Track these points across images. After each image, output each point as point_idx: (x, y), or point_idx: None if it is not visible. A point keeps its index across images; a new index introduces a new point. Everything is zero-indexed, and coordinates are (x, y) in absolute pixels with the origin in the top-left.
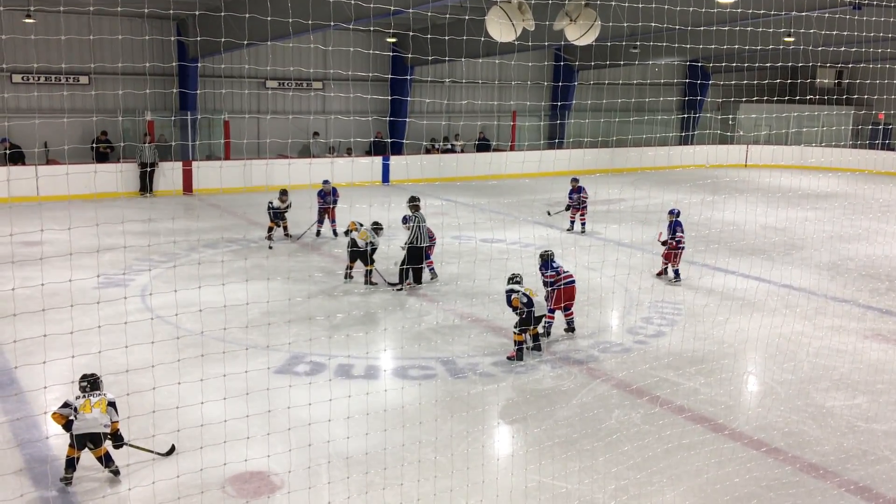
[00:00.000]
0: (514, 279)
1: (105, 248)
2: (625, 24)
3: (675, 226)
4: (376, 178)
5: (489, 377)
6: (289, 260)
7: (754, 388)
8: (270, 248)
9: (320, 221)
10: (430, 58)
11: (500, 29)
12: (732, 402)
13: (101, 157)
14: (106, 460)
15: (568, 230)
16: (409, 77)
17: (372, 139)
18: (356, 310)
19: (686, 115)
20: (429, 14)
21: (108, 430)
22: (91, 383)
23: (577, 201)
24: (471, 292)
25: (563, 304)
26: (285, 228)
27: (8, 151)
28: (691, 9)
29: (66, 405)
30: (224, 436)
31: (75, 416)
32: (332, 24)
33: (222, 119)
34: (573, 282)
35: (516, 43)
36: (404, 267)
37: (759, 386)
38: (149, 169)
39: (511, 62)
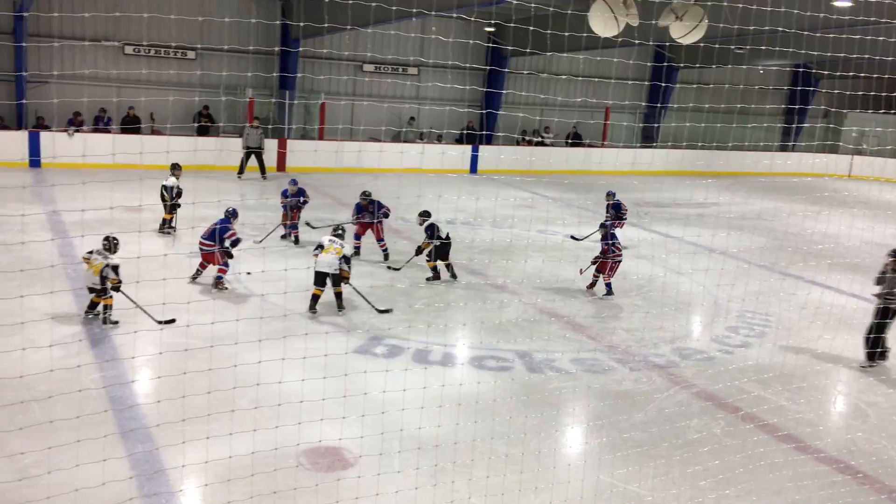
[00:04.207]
0: (335, 230)
1: (200, 219)
2: (735, 26)
3: (615, 209)
4: (464, 168)
5: (566, 374)
6: (376, 244)
7: (843, 409)
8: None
9: (286, 224)
10: (528, 50)
11: (604, 23)
12: (818, 421)
13: (202, 130)
14: (104, 309)
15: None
16: (505, 69)
17: (463, 129)
18: (437, 297)
19: (789, 122)
20: (532, 5)
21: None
22: (106, 247)
23: (613, 215)
24: (552, 287)
25: (607, 273)
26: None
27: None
28: (808, 13)
29: (89, 252)
30: (301, 410)
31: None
32: (434, 12)
33: (319, 100)
34: (620, 262)
35: (619, 39)
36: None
37: (848, 407)
38: (253, 151)
39: (608, 58)
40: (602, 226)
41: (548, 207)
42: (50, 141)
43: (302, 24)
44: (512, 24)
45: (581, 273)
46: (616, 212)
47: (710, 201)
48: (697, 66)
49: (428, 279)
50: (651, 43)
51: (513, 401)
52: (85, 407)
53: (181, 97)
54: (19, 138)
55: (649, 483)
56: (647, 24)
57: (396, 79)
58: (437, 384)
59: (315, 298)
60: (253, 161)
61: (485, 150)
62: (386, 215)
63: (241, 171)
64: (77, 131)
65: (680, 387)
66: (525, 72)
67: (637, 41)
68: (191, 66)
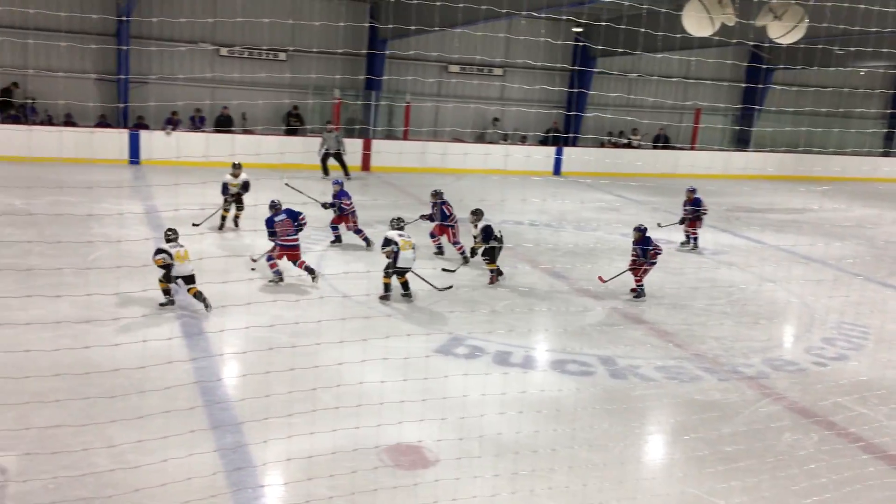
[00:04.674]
0: (397, 224)
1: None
2: (839, 26)
3: (694, 205)
4: (548, 170)
5: (650, 381)
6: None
7: None
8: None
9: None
10: (617, 50)
11: (698, 23)
12: None
13: (292, 130)
14: (197, 297)
15: (683, 243)
16: (591, 69)
17: (548, 130)
18: (519, 299)
19: (894, 126)
20: (625, 3)
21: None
22: (175, 236)
23: (691, 213)
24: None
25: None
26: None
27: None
28: None
29: (160, 251)
30: (383, 406)
31: (172, 262)
32: (523, 12)
33: (404, 101)
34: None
35: (715, 38)
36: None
37: None
38: (332, 155)
39: (701, 59)
40: (637, 230)
41: (634, 211)
42: (148, 139)
43: (390, 26)
44: (601, 24)
45: (603, 281)
46: (694, 208)
47: (807, 207)
48: (795, 67)
49: (492, 279)
50: (747, 43)
51: (595, 407)
52: (176, 400)
53: (272, 98)
54: (120, 137)
55: (736, 499)
56: (744, 23)
57: (482, 80)
58: (518, 388)
59: (388, 287)
60: (333, 162)
61: (570, 152)
62: (444, 216)
63: (325, 172)
64: (174, 130)
65: (771, 399)
66: (613, 72)
67: (732, 41)
68: (281, 68)
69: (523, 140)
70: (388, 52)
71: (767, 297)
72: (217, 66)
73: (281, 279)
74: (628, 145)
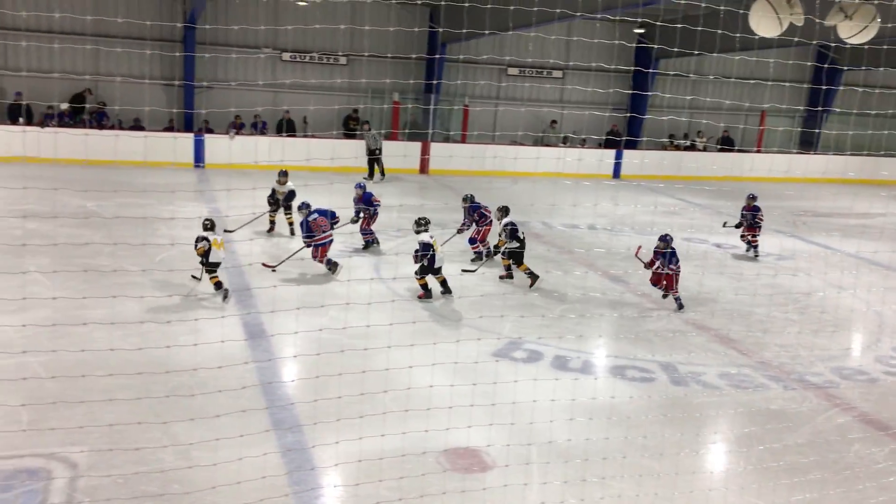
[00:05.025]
0: (425, 226)
1: (346, 218)
2: None
3: (752, 212)
4: (607, 172)
5: (712, 389)
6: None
7: None
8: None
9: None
10: (677, 51)
11: (765, 23)
12: None
13: (351, 133)
14: (217, 286)
15: (746, 251)
16: (652, 70)
17: (607, 133)
18: (577, 304)
19: None
20: (682, 3)
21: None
22: (212, 225)
23: (749, 219)
24: (698, 298)
25: (663, 285)
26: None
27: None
28: None
29: (201, 239)
30: (440, 409)
31: (210, 248)
32: (578, 13)
33: (462, 103)
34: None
35: (781, 39)
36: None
37: None
38: (374, 156)
39: (765, 59)
40: (662, 239)
41: (694, 214)
42: (212, 143)
43: (448, 29)
44: (663, 25)
45: (639, 251)
46: (753, 214)
47: (875, 212)
48: (864, 68)
49: (501, 277)
50: (814, 43)
51: (654, 411)
52: (239, 399)
53: (332, 102)
54: (187, 141)
55: None
56: (811, 21)
57: (540, 82)
58: (577, 394)
59: (426, 287)
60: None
61: (630, 155)
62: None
63: (370, 174)
64: (237, 134)
65: (839, 409)
66: (673, 73)
67: (799, 41)
68: (342, 72)
69: (582, 143)
70: (446, 55)
71: (835, 304)
72: (279, 70)
73: (336, 264)
74: (692, 147)
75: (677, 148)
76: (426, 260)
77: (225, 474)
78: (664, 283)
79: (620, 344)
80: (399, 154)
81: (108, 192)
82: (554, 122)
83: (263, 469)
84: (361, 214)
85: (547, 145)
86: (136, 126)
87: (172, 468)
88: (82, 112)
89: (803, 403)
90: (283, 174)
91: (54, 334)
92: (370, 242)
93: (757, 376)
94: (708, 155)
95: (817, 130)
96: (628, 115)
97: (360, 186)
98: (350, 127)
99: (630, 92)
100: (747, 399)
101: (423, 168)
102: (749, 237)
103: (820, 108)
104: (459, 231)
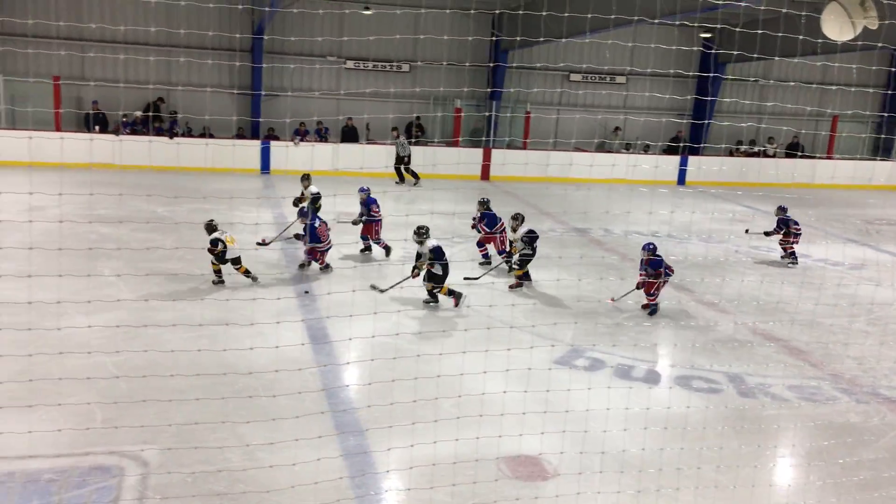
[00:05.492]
0: (423, 234)
1: (401, 224)
2: None
3: (783, 224)
4: (672, 179)
5: (782, 401)
6: (581, 252)
7: None
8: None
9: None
10: (745, 55)
11: (838, 27)
12: None
13: (415, 140)
14: (246, 274)
15: (782, 257)
16: (718, 75)
17: (672, 139)
18: (641, 312)
19: None
20: (761, 8)
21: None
22: (215, 222)
23: (778, 232)
24: (766, 308)
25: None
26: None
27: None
28: None
29: (217, 241)
30: (501, 415)
31: (224, 247)
32: (635, 18)
33: (524, 111)
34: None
35: (854, 43)
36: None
37: None
38: (403, 163)
39: (838, 63)
40: (645, 249)
41: (760, 222)
42: (277, 150)
43: (512, 38)
44: (730, 29)
45: (613, 301)
46: (784, 227)
47: None
48: None
49: (511, 287)
50: (891, 47)
51: (722, 423)
52: (304, 403)
53: (395, 109)
54: (253, 148)
55: None
56: (887, 25)
57: (604, 88)
58: (640, 403)
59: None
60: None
61: (695, 161)
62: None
63: (401, 179)
64: (301, 141)
65: None
66: (741, 79)
67: (872, 44)
68: (404, 80)
69: (646, 149)
70: (509, 63)
71: None
72: (343, 78)
73: (309, 264)
74: (761, 154)
75: (746, 154)
76: (441, 268)
77: (287, 475)
78: (653, 289)
79: (686, 353)
80: (460, 161)
81: (177, 197)
82: (617, 128)
83: (325, 472)
84: (364, 218)
85: (610, 151)
86: (205, 134)
87: (238, 468)
88: (155, 120)
89: (877, 417)
90: (306, 178)
91: (127, 335)
92: (365, 249)
93: (829, 389)
94: (778, 161)
95: (890, 132)
96: (695, 121)
97: (363, 190)
98: (412, 134)
99: (694, 97)
100: (818, 412)
101: (485, 174)
102: (786, 246)
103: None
104: (474, 227)
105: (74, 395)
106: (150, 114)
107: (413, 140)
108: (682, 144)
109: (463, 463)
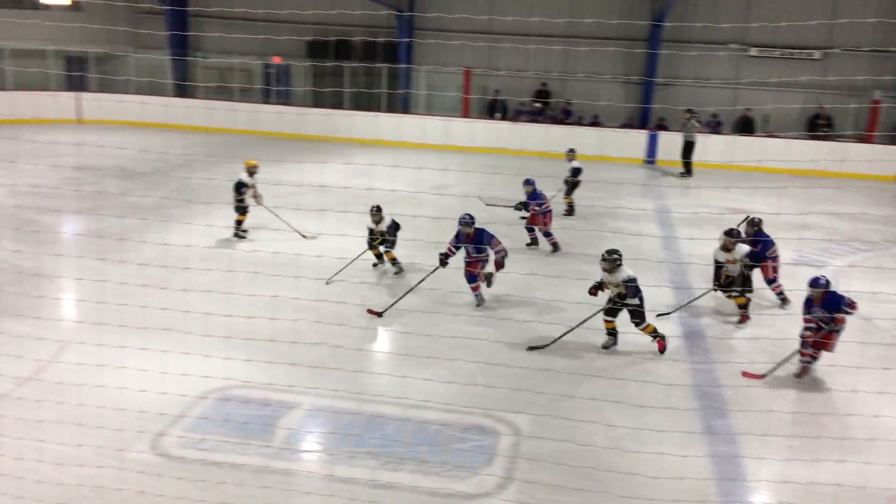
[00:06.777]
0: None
1: (799, 225)
2: None
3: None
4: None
5: None
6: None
7: None
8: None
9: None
10: None
11: None
12: None
13: (818, 134)
14: (393, 262)
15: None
16: None
17: None
18: None
19: None
20: None
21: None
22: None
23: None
24: None
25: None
26: None
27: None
28: None
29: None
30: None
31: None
32: None
33: None
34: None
35: None
36: None
37: None
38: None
39: None
40: (813, 284)
41: None
42: (666, 140)
43: None
44: None
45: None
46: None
47: None
48: None
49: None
50: None
51: None
52: (672, 398)
53: (800, 100)
54: (640, 137)
55: None
56: None
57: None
58: None
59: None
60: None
61: None
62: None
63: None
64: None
65: None
66: None
67: None
68: (813, 68)
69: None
70: None
71: None
72: (744, 66)
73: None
74: None
75: None
76: (641, 302)
77: (651, 467)
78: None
79: None
80: (875, 158)
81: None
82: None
83: (691, 470)
84: (530, 209)
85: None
86: (595, 122)
87: (603, 448)
88: (546, 107)
89: None
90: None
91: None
92: (532, 241)
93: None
94: None
95: None
96: None
97: (528, 183)
98: (816, 126)
99: None
100: None
101: None
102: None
103: None
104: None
105: (460, 357)
106: (541, 101)
107: (822, 133)
108: None
109: (847, 488)
